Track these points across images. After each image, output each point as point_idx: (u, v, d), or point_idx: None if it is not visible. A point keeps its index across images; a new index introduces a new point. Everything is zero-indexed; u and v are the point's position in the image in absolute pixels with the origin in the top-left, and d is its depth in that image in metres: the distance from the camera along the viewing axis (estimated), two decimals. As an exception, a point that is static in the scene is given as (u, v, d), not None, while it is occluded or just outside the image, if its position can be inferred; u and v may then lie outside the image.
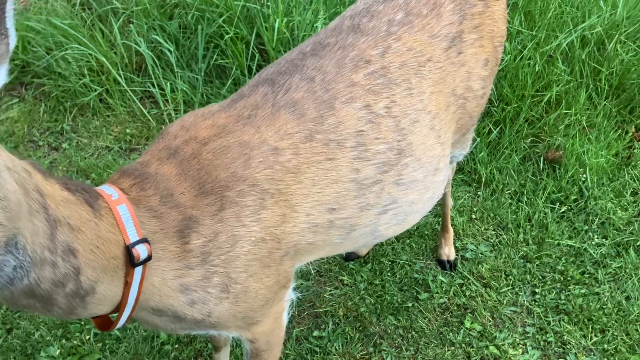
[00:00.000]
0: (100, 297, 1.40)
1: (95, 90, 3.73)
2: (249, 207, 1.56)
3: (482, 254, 2.98)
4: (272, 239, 1.62)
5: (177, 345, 2.64)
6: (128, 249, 1.39)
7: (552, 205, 3.17)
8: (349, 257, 2.94)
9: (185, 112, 3.68)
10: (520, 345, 2.61)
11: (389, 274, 2.90)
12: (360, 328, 2.70)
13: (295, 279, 1.88)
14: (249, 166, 1.57)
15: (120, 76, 3.73)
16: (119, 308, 1.47)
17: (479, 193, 3.24)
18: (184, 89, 3.69)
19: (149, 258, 1.42)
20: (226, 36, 3.61)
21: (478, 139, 3.33)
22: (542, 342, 2.63)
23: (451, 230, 2.91)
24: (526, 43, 3.56)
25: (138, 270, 1.42)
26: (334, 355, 2.59)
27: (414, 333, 2.68)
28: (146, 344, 2.64)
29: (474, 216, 3.16)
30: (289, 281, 1.81)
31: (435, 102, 1.85)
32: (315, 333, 2.67)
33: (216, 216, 1.53)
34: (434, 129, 1.84)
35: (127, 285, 1.42)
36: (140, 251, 1.40)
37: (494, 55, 2.00)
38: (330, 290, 2.85)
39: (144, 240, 1.42)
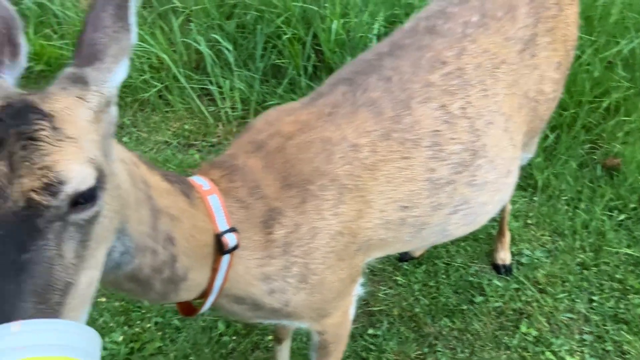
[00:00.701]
0: (190, 283, 1.45)
1: (155, 87, 3.85)
2: (329, 201, 1.60)
3: (537, 259, 2.96)
4: (349, 232, 1.66)
5: (234, 337, 2.70)
6: (218, 238, 1.45)
7: (609, 213, 3.13)
8: (403, 257, 2.96)
9: (242, 110, 3.76)
10: (578, 353, 2.59)
11: (444, 276, 2.91)
12: (415, 328, 2.72)
13: (363, 274, 1.91)
14: (330, 161, 1.61)
15: (180, 73, 3.83)
16: (204, 295, 1.53)
17: (535, 198, 3.22)
18: (241, 87, 3.77)
19: (236, 246, 1.47)
20: (284, 37, 3.68)
21: (535, 144, 3.31)
22: (600, 351, 2.60)
23: (508, 234, 2.90)
24: (585, 48, 3.52)
25: (225, 258, 1.47)
26: (389, 353, 2.62)
27: (469, 335, 2.68)
28: (205, 334, 2.70)
29: (529, 221, 3.14)
30: (359, 276, 1.85)
31: (509, 104, 1.86)
32: (370, 331, 2.70)
33: (298, 208, 1.57)
34: (507, 131, 1.85)
35: (214, 272, 1.48)
36: (230, 240, 1.45)
37: (566, 58, 2.00)
38: (385, 290, 2.87)
39: (232, 230, 1.47)
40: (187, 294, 1.49)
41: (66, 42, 4.11)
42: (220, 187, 1.53)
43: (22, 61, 1.16)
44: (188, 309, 1.65)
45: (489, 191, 1.86)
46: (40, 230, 0.93)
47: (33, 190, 0.92)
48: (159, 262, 1.32)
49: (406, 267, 2.95)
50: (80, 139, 1.00)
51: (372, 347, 2.64)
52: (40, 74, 4.13)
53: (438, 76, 1.75)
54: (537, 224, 3.12)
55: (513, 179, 1.95)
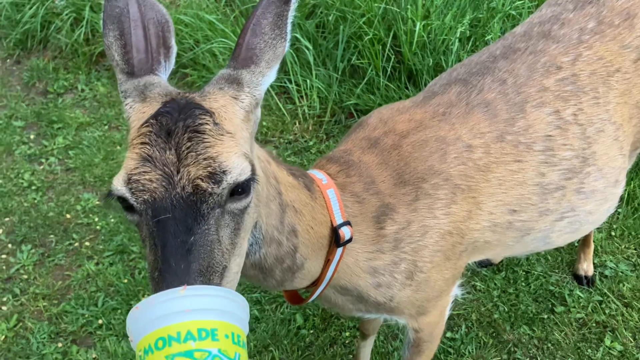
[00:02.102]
0: (305, 273, 1.50)
1: (236, 83, 3.93)
2: (441, 200, 1.62)
3: (622, 272, 2.89)
4: (458, 233, 1.67)
5: (312, 331, 2.75)
6: (334, 230, 1.49)
7: (699, 229, 3.03)
8: (482, 263, 2.94)
9: (319, 109, 3.81)
10: (665, 371, 2.52)
11: (523, 283, 2.88)
12: (494, 334, 2.70)
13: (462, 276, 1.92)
14: (444, 161, 1.63)
15: (260, 71, 3.90)
16: (313, 284, 1.57)
17: (620, 210, 3.14)
18: (319, 86, 3.81)
19: (350, 239, 1.51)
20: (365, 37, 3.70)
21: (620, 155, 3.22)
22: (689, 370, 2.53)
23: (592, 245, 2.84)
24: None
25: (339, 250, 1.51)
26: (467, 357, 2.61)
27: (549, 345, 2.64)
28: (283, 326, 2.76)
29: (613, 233, 3.07)
30: (459, 277, 1.85)
31: (620, 113, 1.83)
32: (449, 334, 2.70)
33: (411, 206, 1.60)
34: (617, 140, 1.82)
35: (327, 263, 1.52)
36: (345, 232, 1.49)
37: (681, 69, 1.95)
38: (463, 295, 2.85)
39: (347, 223, 1.51)
40: (300, 282, 1.54)
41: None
42: (337, 182, 1.57)
43: (173, 62, 1.25)
44: (295, 297, 1.69)
45: (596, 200, 1.84)
46: (204, 216, 1.00)
47: (199, 178, 0.99)
48: (283, 252, 1.38)
49: (485, 273, 2.93)
50: (236, 135, 1.08)
51: (450, 350, 2.64)
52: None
53: (553, 81, 1.74)
54: (622, 236, 3.05)
55: (620, 189, 1.92)
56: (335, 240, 1.49)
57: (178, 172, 0.99)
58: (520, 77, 1.74)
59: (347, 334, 2.73)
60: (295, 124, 3.83)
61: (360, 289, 1.64)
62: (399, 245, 1.60)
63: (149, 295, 0.96)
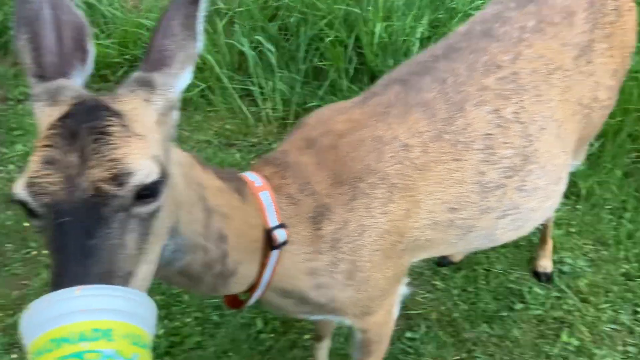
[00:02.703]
0: (240, 277, 1.48)
1: (198, 87, 3.91)
2: (379, 199, 1.62)
3: (580, 268, 2.91)
4: (396, 232, 1.66)
5: (272, 335, 2.73)
6: (268, 233, 1.48)
7: (656, 224, 3.07)
8: (442, 262, 2.95)
9: (283, 111, 3.80)
10: (621, 365, 2.55)
11: (483, 282, 2.89)
12: (454, 333, 2.70)
13: (407, 275, 1.91)
14: (381, 160, 1.62)
15: (223, 74, 3.88)
16: (251, 288, 1.56)
17: (578, 207, 3.18)
18: (282, 88, 3.81)
19: (285, 242, 1.50)
20: (327, 39, 3.70)
21: (578, 152, 3.26)
22: (644, 363, 2.55)
23: (550, 242, 2.87)
24: (633, 56, 3.46)
25: (275, 253, 1.50)
26: (427, 357, 2.61)
27: (508, 342, 2.65)
28: (243, 330, 2.74)
29: (572, 230, 3.10)
30: (404, 276, 1.85)
31: (562, 110, 1.85)
32: (408, 334, 2.69)
33: (348, 205, 1.59)
34: (559, 138, 1.84)
35: (263, 266, 1.51)
36: (279, 235, 1.48)
37: (622, 65, 1.98)
38: (423, 294, 2.86)
39: (282, 225, 1.50)
40: (235, 287, 1.52)
41: (113, 42, 4.21)
42: (272, 184, 1.56)
43: (90, 66, 1.22)
44: (235, 301, 1.68)
45: (538, 197, 1.85)
46: (106, 219, 0.97)
47: (102, 180, 0.97)
48: (210, 258, 1.35)
49: (445, 272, 2.94)
50: (146, 137, 1.05)
51: (409, 350, 2.64)
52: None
53: (493, 80, 1.75)
54: (580, 232, 3.08)
55: (563, 186, 1.93)
56: (269, 243, 1.48)
57: (80, 174, 0.97)
58: (460, 77, 1.75)
59: (307, 336, 2.71)
60: (259, 126, 3.82)
61: (301, 291, 1.63)
62: (336, 245, 1.59)
63: None
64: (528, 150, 1.78)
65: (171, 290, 2.88)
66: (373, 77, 3.81)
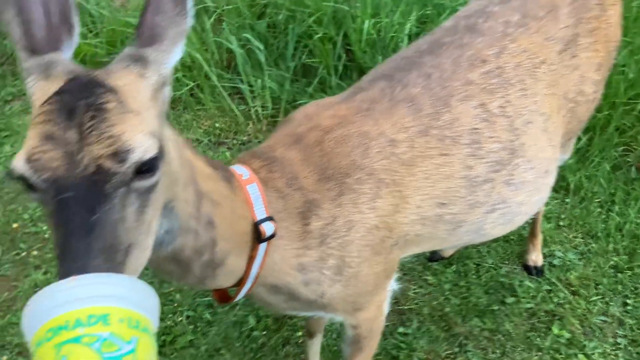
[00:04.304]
0: (228, 269, 1.48)
1: (187, 85, 3.90)
2: (366, 195, 1.62)
3: (570, 261, 2.93)
4: (385, 227, 1.67)
5: (265, 332, 2.73)
6: (256, 226, 1.48)
7: (644, 216, 3.09)
8: (433, 257, 2.96)
9: (272, 109, 3.80)
10: (612, 356, 2.56)
11: (474, 276, 2.90)
12: (446, 328, 2.71)
13: (398, 270, 1.92)
14: (367, 155, 1.63)
15: (211, 72, 3.87)
16: (240, 282, 1.56)
17: (567, 200, 3.19)
18: (272, 86, 3.80)
19: (273, 235, 1.50)
20: (315, 36, 3.70)
21: (567, 146, 3.27)
22: (635, 355, 2.57)
23: (540, 235, 2.88)
24: (620, 50, 3.47)
25: (262, 246, 1.50)
26: (419, 352, 2.62)
27: (500, 336, 2.67)
28: (236, 328, 2.74)
29: (561, 223, 3.11)
30: (393, 271, 1.86)
31: (549, 104, 1.85)
32: (400, 329, 2.70)
33: (335, 201, 1.59)
34: (546, 131, 1.85)
35: (251, 260, 1.50)
36: (267, 228, 1.48)
37: (607, 59, 1.99)
38: (415, 289, 2.87)
39: (270, 219, 1.49)
40: (224, 279, 1.51)
41: (100, 41, 4.19)
42: (260, 177, 1.56)
43: (76, 39, 1.22)
44: (224, 296, 1.68)
45: (526, 191, 1.86)
46: (107, 195, 0.99)
47: (102, 158, 0.98)
48: (200, 244, 1.35)
49: (436, 267, 2.95)
50: (142, 113, 1.07)
51: (402, 345, 2.64)
52: (76, 72, 4.22)
53: (478, 74, 1.76)
54: (570, 225, 3.10)
55: (551, 179, 1.94)
56: (257, 236, 1.48)
57: (80, 151, 0.99)
58: (445, 72, 1.75)
59: (300, 333, 2.72)
60: (248, 124, 3.81)
61: (290, 286, 1.63)
62: (325, 241, 1.59)
63: None
64: (515, 144, 1.78)
65: (162, 289, 2.87)
66: (362, 74, 3.79)
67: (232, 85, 3.92)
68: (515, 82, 1.79)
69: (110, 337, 0.84)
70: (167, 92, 1.19)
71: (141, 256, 1.06)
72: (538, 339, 2.64)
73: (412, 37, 3.67)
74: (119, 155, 0.99)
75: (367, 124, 1.66)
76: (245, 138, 3.76)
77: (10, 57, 4.40)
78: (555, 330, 2.65)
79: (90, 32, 4.26)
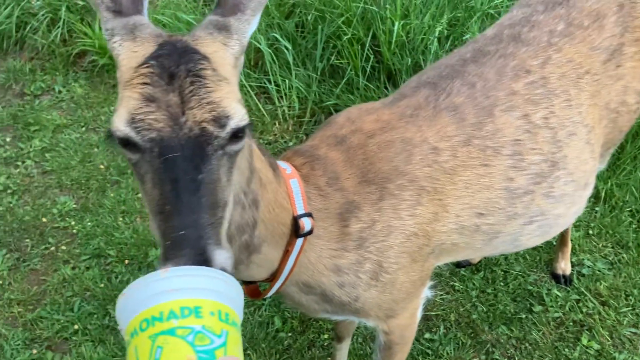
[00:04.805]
0: (262, 259, 1.48)
1: (215, 83, 3.90)
2: (406, 201, 1.61)
3: (599, 271, 2.90)
4: (423, 235, 1.66)
5: (290, 334, 2.73)
6: (295, 220, 1.48)
7: (676, 227, 3.04)
8: (461, 263, 2.94)
9: (299, 109, 3.79)
10: (641, 369, 2.54)
11: (502, 283, 2.88)
12: (472, 335, 2.70)
13: (431, 278, 1.91)
14: (409, 162, 1.62)
15: (239, 71, 3.87)
16: (272, 278, 1.56)
17: (597, 209, 3.16)
18: (299, 86, 3.79)
19: (310, 231, 1.49)
20: (344, 37, 3.69)
21: (598, 153, 3.23)
22: (665, 368, 2.54)
23: (570, 244, 2.85)
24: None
25: (299, 242, 1.50)
26: (445, 358, 2.61)
27: (527, 345, 2.65)
28: (262, 329, 2.74)
29: (591, 232, 3.08)
30: (428, 279, 1.85)
31: (592, 115, 1.83)
32: (427, 335, 2.69)
33: (375, 205, 1.59)
34: (589, 143, 1.82)
35: (286, 254, 1.50)
36: (306, 223, 1.48)
37: (652, 69, 1.96)
38: (441, 295, 2.86)
39: (309, 215, 1.49)
40: (256, 270, 1.51)
41: (129, 37, 4.20)
42: (301, 173, 1.57)
43: (146, 6, 1.27)
44: (254, 291, 1.68)
45: (565, 203, 1.84)
46: (209, 156, 1.06)
47: (206, 122, 1.05)
48: (244, 221, 1.36)
49: (463, 273, 2.93)
50: (231, 82, 1.12)
51: (428, 351, 2.64)
52: (104, 68, 4.24)
53: (522, 85, 1.74)
54: (599, 234, 3.06)
55: (589, 191, 1.92)
56: (295, 230, 1.48)
57: (183, 114, 1.04)
58: (489, 81, 1.74)
59: (326, 336, 2.72)
60: (275, 124, 3.81)
61: (324, 287, 1.63)
62: (363, 244, 1.59)
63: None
64: (557, 157, 1.76)
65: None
66: (390, 76, 3.80)
67: (259, 84, 3.92)
68: (559, 92, 1.77)
69: (202, 330, 0.85)
70: (242, 61, 1.23)
71: (229, 215, 1.12)
72: (566, 349, 2.62)
73: (441, 40, 3.65)
74: (220, 120, 1.05)
75: (410, 131, 1.65)
76: (271, 138, 3.76)
77: (40, 52, 4.43)
78: (584, 340, 2.63)
79: (119, 28, 4.27)
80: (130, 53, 1.11)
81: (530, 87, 1.74)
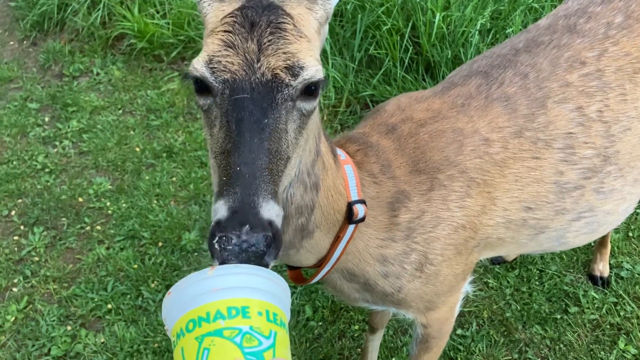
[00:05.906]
0: (313, 245, 1.46)
1: (251, 70, 3.89)
2: (456, 192, 1.58)
3: (638, 274, 2.83)
4: (471, 227, 1.63)
5: (321, 323, 2.72)
6: (349, 206, 1.46)
7: None
8: (496, 260, 2.90)
9: (335, 99, 3.77)
10: (680, 376, 2.47)
11: (537, 282, 2.83)
12: (505, 333, 2.66)
13: (473, 272, 1.88)
14: (461, 152, 1.59)
15: (276, 59, 3.86)
16: (319, 264, 1.54)
17: (638, 211, 3.08)
18: (336, 76, 3.77)
19: (363, 218, 1.48)
20: (383, 27, 3.65)
21: None
22: None
23: (609, 245, 2.79)
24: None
25: (350, 228, 1.48)
26: (478, 355, 2.57)
27: (561, 346, 2.60)
28: (292, 317, 2.74)
29: (631, 234, 3.00)
30: (469, 273, 1.82)
31: (647, 110, 1.77)
32: (459, 331, 2.66)
33: (425, 195, 1.56)
34: (642, 139, 1.77)
35: (337, 240, 1.49)
36: (359, 210, 1.46)
37: None
38: (475, 292, 2.82)
39: (363, 202, 1.48)
40: (305, 256, 1.50)
41: (167, 22, 4.23)
42: (355, 160, 1.55)
43: None
44: (299, 277, 1.66)
45: (615, 200, 1.79)
46: (278, 104, 1.07)
47: (279, 69, 1.07)
48: (303, 203, 1.36)
49: (498, 270, 2.89)
50: (312, 41, 1.14)
51: (460, 347, 2.60)
52: (141, 51, 4.27)
53: (576, 76, 1.69)
54: (639, 237, 2.98)
55: (639, 189, 1.86)
56: (348, 217, 1.46)
57: (258, 60, 1.07)
58: (542, 72, 1.69)
59: (356, 327, 2.71)
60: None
61: (367, 276, 1.61)
62: (411, 235, 1.57)
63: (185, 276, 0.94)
64: (609, 151, 1.71)
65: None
66: (428, 68, 3.75)
67: (295, 72, 3.90)
68: (614, 86, 1.71)
69: (250, 330, 0.82)
70: (326, 30, 1.26)
71: (291, 174, 1.14)
72: (602, 352, 2.56)
73: (483, 33, 3.59)
74: (294, 69, 1.07)
75: (461, 120, 1.62)
76: (305, 126, 3.75)
77: (79, 34, 4.48)
78: (621, 344, 2.57)
79: (158, 13, 4.30)
80: (217, 11, 1.17)
81: (585, 79, 1.69)
